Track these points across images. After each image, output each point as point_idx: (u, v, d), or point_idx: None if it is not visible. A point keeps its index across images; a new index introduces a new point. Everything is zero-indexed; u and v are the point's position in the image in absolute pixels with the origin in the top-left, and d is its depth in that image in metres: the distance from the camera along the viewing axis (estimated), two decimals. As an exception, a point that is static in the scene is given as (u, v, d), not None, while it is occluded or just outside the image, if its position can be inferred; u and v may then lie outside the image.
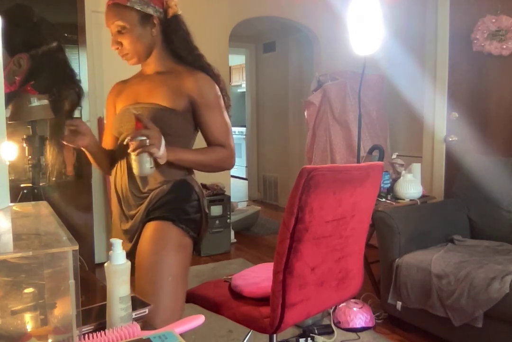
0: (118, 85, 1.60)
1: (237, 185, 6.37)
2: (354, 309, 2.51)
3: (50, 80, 1.27)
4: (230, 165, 1.46)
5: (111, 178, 1.52)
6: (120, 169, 1.47)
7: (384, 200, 2.82)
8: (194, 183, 1.48)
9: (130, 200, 1.44)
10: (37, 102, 1.31)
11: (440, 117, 3.49)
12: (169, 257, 1.36)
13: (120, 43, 1.40)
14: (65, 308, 0.71)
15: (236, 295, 1.62)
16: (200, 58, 1.48)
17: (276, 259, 1.39)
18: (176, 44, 1.45)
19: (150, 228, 1.39)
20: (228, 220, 4.00)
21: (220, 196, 3.90)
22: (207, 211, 1.50)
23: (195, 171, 1.53)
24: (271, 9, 4.34)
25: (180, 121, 1.41)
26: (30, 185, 2.23)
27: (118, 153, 1.48)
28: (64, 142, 1.37)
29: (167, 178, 1.41)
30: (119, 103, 1.52)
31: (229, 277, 1.75)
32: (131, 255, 1.39)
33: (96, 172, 3.47)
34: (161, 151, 1.26)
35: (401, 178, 2.85)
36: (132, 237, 1.44)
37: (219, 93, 1.45)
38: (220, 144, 1.43)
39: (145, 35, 1.40)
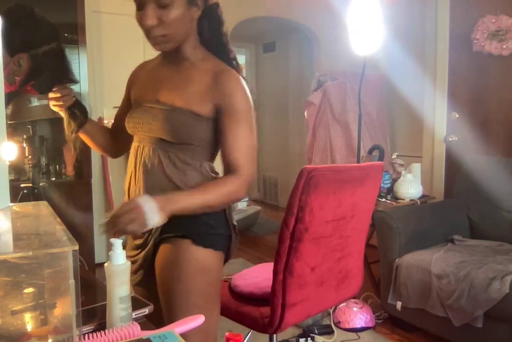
0: (140, 66, 1.41)
1: (237, 185, 6.36)
2: (354, 309, 2.51)
3: (50, 80, 1.26)
4: (240, 197, 1.20)
5: (124, 187, 1.33)
6: (134, 179, 1.28)
7: (384, 200, 2.82)
8: None
9: None
10: (37, 102, 1.31)
11: (440, 117, 3.49)
12: (194, 283, 1.20)
13: (159, 20, 1.13)
14: (65, 308, 0.71)
15: (236, 295, 1.62)
16: (234, 55, 1.28)
17: (276, 259, 1.39)
18: (215, 34, 1.25)
19: (166, 250, 1.22)
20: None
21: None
22: (235, 223, 1.31)
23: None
24: (271, 9, 4.33)
25: (204, 128, 1.21)
26: (30, 185, 2.23)
27: (131, 160, 1.30)
28: (54, 104, 1.29)
29: (186, 188, 1.21)
30: (136, 92, 1.34)
31: (229, 277, 1.75)
32: (140, 281, 1.29)
33: (96, 172, 3.47)
34: (152, 220, 1.05)
35: (401, 178, 2.85)
36: (143, 251, 1.28)
37: (251, 102, 1.25)
38: (234, 169, 1.19)
39: (187, 17, 1.16)
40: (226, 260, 1.32)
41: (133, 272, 1.28)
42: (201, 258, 1.21)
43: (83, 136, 1.39)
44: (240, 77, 1.22)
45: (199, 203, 1.14)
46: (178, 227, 1.21)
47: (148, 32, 1.16)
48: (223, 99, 1.19)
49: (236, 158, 1.19)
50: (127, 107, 1.38)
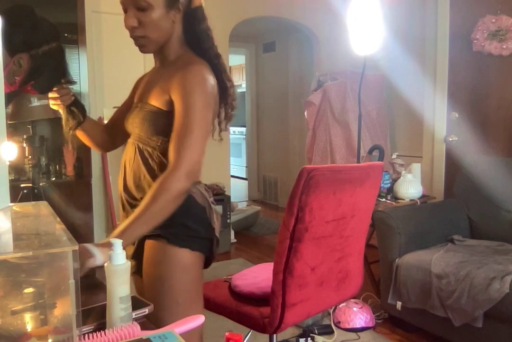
0: (145, 73, 1.47)
1: (237, 185, 6.37)
2: (354, 309, 2.51)
3: (50, 80, 1.26)
4: (176, 189, 1.14)
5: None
6: (121, 174, 1.36)
7: (384, 200, 2.82)
8: (196, 194, 1.28)
9: (126, 206, 1.34)
10: (37, 102, 1.31)
11: (440, 117, 3.49)
12: (173, 281, 1.23)
13: (139, 22, 1.21)
14: (65, 308, 0.71)
15: (236, 295, 1.62)
16: (218, 57, 1.31)
17: (276, 259, 1.39)
18: (198, 37, 1.29)
19: (147, 248, 1.27)
20: (228, 220, 4.00)
21: (220, 196, 3.91)
22: (213, 225, 1.31)
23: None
24: (271, 9, 4.34)
25: (169, 122, 1.22)
26: (30, 185, 2.23)
27: (122, 155, 1.38)
28: (52, 103, 1.32)
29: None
30: (135, 98, 1.41)
31: (229, 277, 1.75)
32: (137, 270, 1.32)
33: (96, 172, 3.47)
34: (98, 260, 1.01)
35: (401, 178, 2.85)
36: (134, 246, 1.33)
37: (208, 92, 1.21)
38: (168, 163, 1.18)
39: (166, 19, 1.23)
40: (209, 262, 1.34)
41: (132, 259, 1.32)
42: (176, 257, 1.24)
43: (79, 133, 1.43)
44: (207, 72, 1.23)
45: (147, 222, 1.13)
46: (157, 226, 1.22)
47: (130, 34, 1.24)
48: (176, 89, 1.20)
49: (170, 151, 1.18)
50: (125, 107, 1.44)
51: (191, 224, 1.26)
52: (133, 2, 1.20)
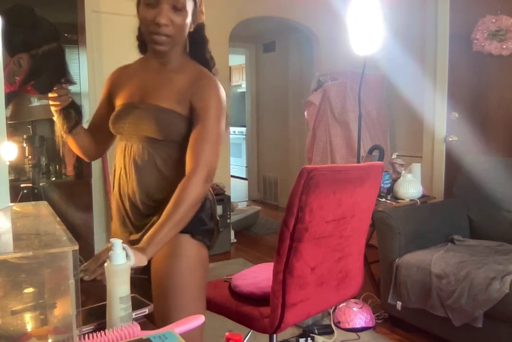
0: (120, 70, 1.45)
1: (237, 185, 6.37)
2: (354, 309, 2.51)
3: (50, 80, 1.26)
4: (199, 193, 1.21)
5: (114, 183, 1.38)
6: (125, 177, 1.32)
7: (384, 200, 2.82)
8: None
9: (140, 209, 1.31)
10: (37, 102, 1.30)
11: (440, 117, 3.49)
12: (190, 277, 1.27)
13: (170, 21, 1.23)
14: (65, 308, 0.71)
15: (236, 295, 1.62)
16: (213, 66, 1.38)
17: (276, 259, 1.39)
18: (202, 56, 1.36)
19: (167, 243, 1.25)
20: (228, 220, 4.00)
21: (220, 196, 3.90)
22: (218, 218, 1.39)
23: None
24: (271, 9, 4.34)
25: (186, 126, 1.27)
26: (30, 185, 2.23)
27: (119, 159, 1.35)
28: (51, 103, 1.30)
29: (177, 180, 1.24)
30: (121, 96, 1.37)
31: (229, 277, 1.75)
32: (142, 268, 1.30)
33: (96, 172, 3.47)
34: (130, 261, 0.97)
35: (401, 178, 2.85)
36: None
37: (224, 102, 1.29)
38: (186, 169, 1.24)
39: (187, 26, 1.27)
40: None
41: None
42: (197, 251, 1.29)
43: (70, 139, 1.40)
44: (218, 83, 1.31)
45: (173, 227, 1.17)
46: None
47: (157, 30, 1.22)
48: (198, 101, 1.26)
49: (189, 158, 1.24)
50: (106, 109, 1.41)
51: (204, 218, 1.32)
52: (172, 0, 1.21)
